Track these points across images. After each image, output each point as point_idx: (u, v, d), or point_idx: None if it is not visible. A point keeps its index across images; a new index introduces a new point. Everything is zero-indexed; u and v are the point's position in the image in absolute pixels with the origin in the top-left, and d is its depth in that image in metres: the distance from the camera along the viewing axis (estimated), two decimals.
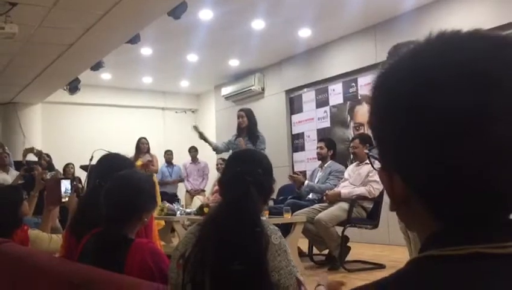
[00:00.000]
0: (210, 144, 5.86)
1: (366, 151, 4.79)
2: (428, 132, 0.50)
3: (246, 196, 1.50)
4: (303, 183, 5.51)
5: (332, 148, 5.62)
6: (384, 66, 0.58)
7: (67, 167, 8.20)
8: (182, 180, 8.93)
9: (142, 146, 7.74)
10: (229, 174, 1.63)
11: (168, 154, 8.96)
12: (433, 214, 0.53)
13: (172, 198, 8.26)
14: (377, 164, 0.66)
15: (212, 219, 1.56)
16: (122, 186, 1.80)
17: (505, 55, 0.51)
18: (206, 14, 6.32)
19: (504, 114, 0.49)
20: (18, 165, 6.99)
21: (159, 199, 6.84)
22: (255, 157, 1.72)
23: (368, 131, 6.92)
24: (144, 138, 7.84)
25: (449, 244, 0.51)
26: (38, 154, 6.90)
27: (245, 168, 1.59)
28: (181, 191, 9.15)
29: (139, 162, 7.38)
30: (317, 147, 5.70)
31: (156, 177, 8.55)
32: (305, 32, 7.22)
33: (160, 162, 8.58)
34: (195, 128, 5.83)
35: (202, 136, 5.80)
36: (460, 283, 0.48)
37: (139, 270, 1.58)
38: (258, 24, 6.77)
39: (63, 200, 3.08)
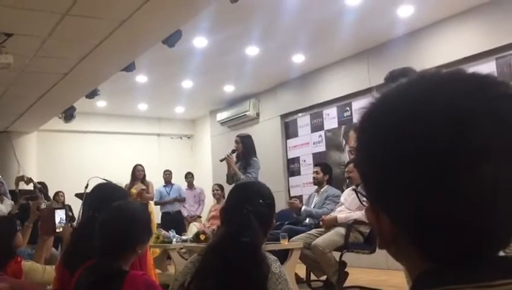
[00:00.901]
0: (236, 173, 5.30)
1: (354, 188, 4.80)
2: (412, 173, 0.50)
3: (246, 225, 1.51)
4: (300, 208, 5.49)
5: (328, 173, 5.63)
6: (372, 100, 0.59)
7: (57, 195, 8.09)
8: (182, 200, 8.79)
9: (137, 173, 7.71)
10: (231, 204, 1.65)
11: (167, 174, 8.89)
12: (421, 254, 0.53)
13: (178, 219, 8.14)
14: (365, 200, 0.66)
15: (212, 248, 1.56)
16: (116, 218, 1.79)
17: (485, 96, 0.51)
18: (200, 42, 6.39)
19: (486, 155, 0.49)
20: (13, 194, 6.94)
21: (154, 227, 6.79)
22: (258, 189, 1.74)
23: None
24: (140, 165, 7.83)
25: (438, 285, 0.50)
26: (29, 182, 6.86)
27: (247, 199, 1.61)
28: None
29: (133, 190, 7.35)
30: (313, 172, 5.71)
31: (155, 198, 8.53)
32: (298, 58, 7.29)
33: (158, 183, 8.53)
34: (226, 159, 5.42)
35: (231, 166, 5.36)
36: None
37: None
38: (252, 50, 6.84)
39: (58, 230, 3.06)
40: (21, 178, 7.11)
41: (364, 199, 0.63)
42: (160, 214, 8.62)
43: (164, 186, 8.77)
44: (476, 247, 0.51)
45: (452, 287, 0.49)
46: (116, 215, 1.80)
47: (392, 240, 0.55)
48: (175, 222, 7.86)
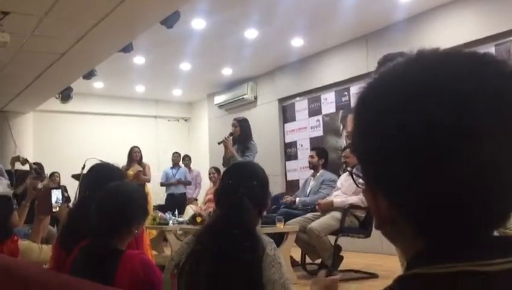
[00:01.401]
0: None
1: (349, 169, 4.80)
2: (410, 153, 0.50)
3: (239, 207, 1.51)
4: (294, 201, 5.53)
5: (324, 157, 5.64)
6: (368, 81, 0.58)
7: (53, 175, 8.09)
8: (188, 183, 8.86)
9: (134, 155, 7.71)
10: (224, 185, 1.65)
11: (175, 156, 8.93)
12: (419, 233, 0.53)
13: (182, 201, 8.19)
14: (361, 182, 0.66)
15: (207, 229, 1.56)
16: (113, 197, 1.79)
17: (485, 75, 0.51)
18: (199, 24, 6.34)
19: (485, 135, 0.49)
20: (8, 174, 6.93)
21: (151, 208, 6.81)
22: (251, 170, 1.73)
23: None
24: (137, 147, 7.82)
25: (435, 263, 0.50)
26: (25, 162, 6.85)
27: (240, 180, 1.61)
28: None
29: (130, 172, 7.35)
30: (309, 156, 5.73)
31: (161, 179, 8.58)
32: (297, 42, 7.25)
33: (154, 165, 8.53)
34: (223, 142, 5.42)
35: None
36: None
37: (130, 282, 1.57)
38: (251, 33, 6.79)
39: (54, 210, 3.06)
40: (17, 158, 7.09)
41: (360, 180, 0.63)
42: (165, 195, 8.69)
43: (171, 168, 8.81)
44: (473, 226, 0.51)
45: (448, 265, 0.50)
46: (113, 195, 1.80)
47: (389, 220, 0.55)
48: (179, 203, 7.90)
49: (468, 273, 0.49)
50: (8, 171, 7.06)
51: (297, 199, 5.52)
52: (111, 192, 1.80)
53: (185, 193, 8.70)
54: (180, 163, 9.03)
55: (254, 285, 1.42)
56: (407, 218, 0.53)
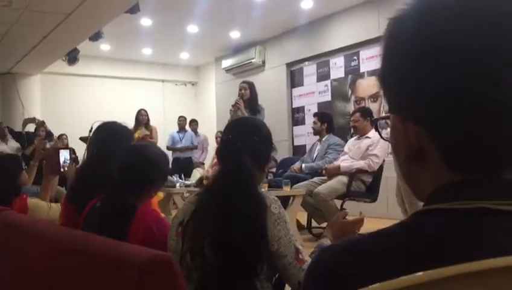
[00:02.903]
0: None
1: (375, 118, 4.76)
2: (445, 72, 0.50)
3: (238, 163, 1.49)
4: (301, 168, 5.51)
5: (326, 122, 5.59)
6: (401, 8, 0.58)
7: (61, 137, 8.13)
8: (194, 148, 8.87)
9: (141, 118, 7.72)
10: (224, 142, 1.62)
11: (181, 120, 8.93)
12: (445, 163, 0.53)
13: (188, 165, 8.23)
14: (385, 133, 0.65)
15: (209, 188, 1.56)
16: (138, 158, 1.81)
17: None
18: None
19: None
20: (19, 135, 6.98)
21: None
22: (250, 124, 1.69)
23: (369, 105, 6.89)
24: (144, 110, 7.81)
25: (456, 198, 0.50)
26: (41, 124, 6.88)
27: (237, 135, 1.58)
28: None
29: (137, 135, 7.37)
30: (312, 122, 5.69)
31: (167, 143, 8.61)
32: (307, 4, 7.11)
33: (161, 128, 8.54)
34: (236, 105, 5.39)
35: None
36: (465, 236, 0.48)
37: (143, 238, 1.58)
38: None
39: (62, 169, 3.08)
40: (31, 120, 7.12)
41: (384, 131, 0.63)
42: (171, 159, 8.72)
43: (178, 132, 8.81)
44: (499, 163, 0.51)
45: (468, 202, 0.49)
46: (138, 155, 1.82)
47: (417, 152, 0.54)
48: (185, 167, 7.93)
49: (488, 211, 0.48)
50: (18, 133, 7.11)
51: (303, 165, 5.52)
52: (137, 152, 1.82)
53: (190, 157, 8.72)
54: (187, 127, 9.03)
55: (259, 242, 1.42)
56: (437, 145, 0.53)
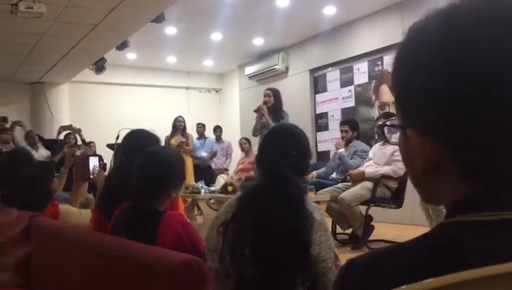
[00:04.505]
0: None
1: (383, 121, 4.70)
2: (466, 82, 0.49)
3: (284, 180, 1.51)
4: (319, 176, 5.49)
5: (357, 129, 5.50)
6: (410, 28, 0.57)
7: (89, 144, 8.29)
8: (213, 155, 8.89)
9: (178, 124, 7.86)
10: (265, 155, 1.64)
11: (200, 127, 9.02)
12: (465, 178, 0.52)
13: (207, 171, 8.24)
14: (394, 138, 0.65)
15: (248, 195, 1.57)
16: (153, 161, 1.83)
17: None
18: None
19: None
20: (53, 142, 7.16)
21: (190, 176, 6.91)
22: (291, 136, 1.70)
23: (393, 110, 6.84)
24: (181, 116, 7.96)
25: (478, 210, 0.50)
26: (77, 132, 7.05)
27: (278, 149, 1.60)
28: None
29: (173, 142, 7.48)
30: (342, 131, 5.49)
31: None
32: (330, 10, 7.12)
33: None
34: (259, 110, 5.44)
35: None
36: (488, 248, 0.47)
37: (172, 242, 1.61)
38: (282, 2, 6.70)
39: (92, 176, 3.16)
40: (68, 127, 7.30)
41: (393, 136, 0.63)
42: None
43: (198, 138, 8.89)
44: None
45: (491, 214, 0.49)
46: (152, 158, 1.84)
47: (435, 164, 0.54)
48: (205, 174, 7.99)
49: (511, 222, 0.48)
50: (51, 140, 7.30)
51: (338, 151, 5.43)
52: (150, 156, 1.85)
53: (210, 165, 8.72)
54: (206, 133, 9.05)
55: (301, 255, 1.44)
56: (456, 159, 0.52)
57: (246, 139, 7.57)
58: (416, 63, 0.54)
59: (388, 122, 0.67)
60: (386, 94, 7.14)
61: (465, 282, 0.41)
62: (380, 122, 4.74)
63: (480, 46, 0.49)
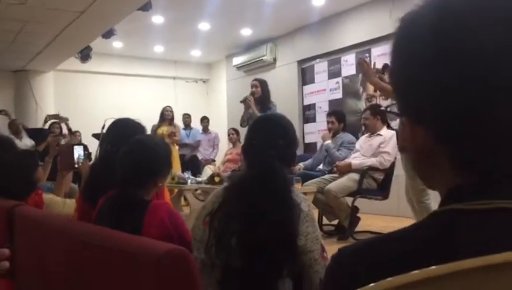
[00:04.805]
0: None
1: (386, 106, 4.71)
2: (459, 72, 0.49)
3: (267, 168, 1.51)
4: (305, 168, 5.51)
5: (343, 121, 5.52)
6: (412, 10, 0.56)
7: (74, 134, 8.21)
8: (197, 145, 8.88)
9: (166, 114, 7.81)
10: (252, 146, 1.62)
11: (186, 118, 9.00)
12: (457, 166, 0.52)
13: (193, 162, 8.23)
14: (394, 124, 0.65)
15: (236, 185, 1.56)
16: (140, 149, 1.80)
17: None
18: None
19: None
20: (40, 131, 7.07)
21: (176, 166, 6.88)
22: (277, 126, 1.69)
23: (380, 102, 6.87)
24: (169, 106, 7.92)
25: (471, 199, 0.50)
26: (64, 121, 6.98)
27: (264, 139, 1.59)
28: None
29: (160, 131, 7.43)
30: (328, 122, 5.49)
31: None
32: (318, 1, 7.10)
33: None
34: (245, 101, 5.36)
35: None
36: (480, 238, 0.47)
37: (158, 231, 1.60)
38: None
39: (76, 165, 3.13)
40: (55, 116, 7.21)
41: (393, 121, 0.62)
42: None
43: (183, 129, 8.86)
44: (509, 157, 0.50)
45: (485, 202, 0.49)
46: (139, 146, 1.81)
47: (427, 152, 0.54)
48: (190, 164, 7.98)
49: (505, 210, 0.48)
50: (36, 129, 7.20)
51: (325, 142, 5.45)
52: (137, 144, 1.82)
53: (195, 154, 8.71)
54: (192, 124, 9.03)
55: (288, 245, 1.43)
56: (447, 149, 0.52)
57: (234, 129, 7.55)
58: (411, 52, 0.54)
59: (389, 109, 0.68)
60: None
61: (454, 273, 0.40)
62: (386, 106, 4.77)
63: (475, 34, 0.48)
